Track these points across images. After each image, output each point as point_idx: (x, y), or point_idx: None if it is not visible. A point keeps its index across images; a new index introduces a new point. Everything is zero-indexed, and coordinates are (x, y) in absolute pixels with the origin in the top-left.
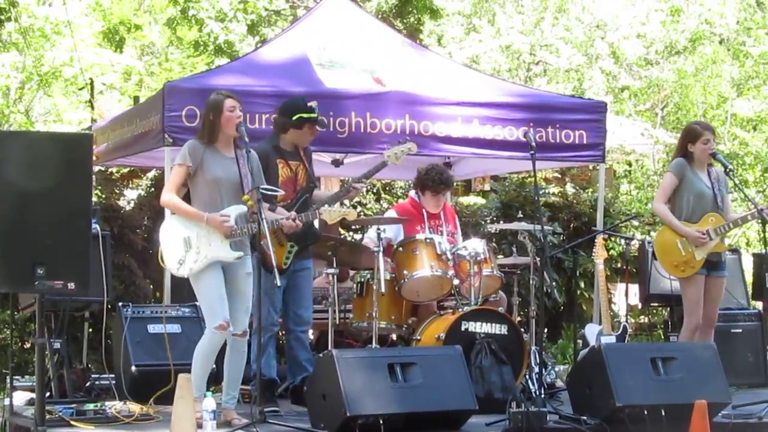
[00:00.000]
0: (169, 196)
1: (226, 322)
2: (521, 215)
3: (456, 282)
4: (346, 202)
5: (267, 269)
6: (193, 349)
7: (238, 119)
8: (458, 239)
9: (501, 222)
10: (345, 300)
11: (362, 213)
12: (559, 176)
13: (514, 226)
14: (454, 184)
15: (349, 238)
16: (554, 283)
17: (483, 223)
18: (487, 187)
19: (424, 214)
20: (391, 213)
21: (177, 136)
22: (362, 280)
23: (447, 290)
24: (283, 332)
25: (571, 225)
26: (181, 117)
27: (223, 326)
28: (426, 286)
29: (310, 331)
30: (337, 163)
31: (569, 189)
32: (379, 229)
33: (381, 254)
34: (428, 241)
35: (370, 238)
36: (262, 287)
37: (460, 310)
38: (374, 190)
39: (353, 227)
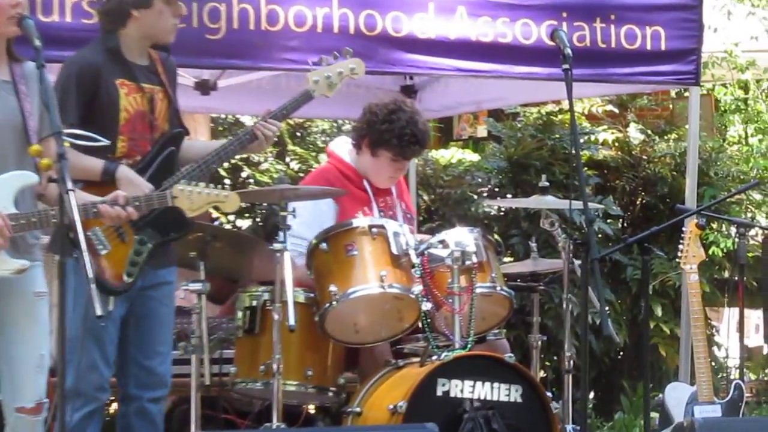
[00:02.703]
0: None
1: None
2: (545, 183)
3: (427, 306)
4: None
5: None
6: None
7: (17, 6)
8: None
9: (508, 196)
10: (223, 340)
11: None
12: (616, 112)
13: (532, 202)
14: (429, 144)
15: (228, 227)
16: (607, 309)
17: (475, 198)
18: (481, 133)
19: (368, 188)
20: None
21: None
22: (254, 304)
23: (410, 322)
24: (119, 401)
25: (638, 201)
26: None
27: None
28: (371, 313)
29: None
30: (205, 88)
31: (634, 134)
32: (283, 210)
33: (288, 258)
34: (375, 230)
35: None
36: (80, 320)
37: (434, 358)
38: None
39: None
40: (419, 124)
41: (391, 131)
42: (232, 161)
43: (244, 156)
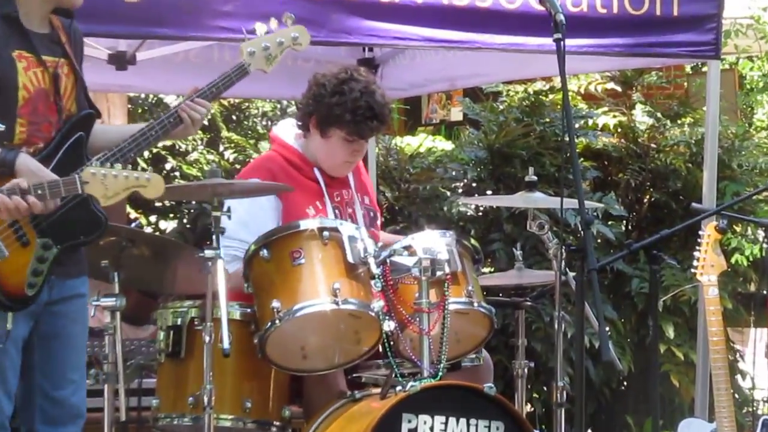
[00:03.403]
0: None
1: None
2: (533, 177)
3: (390, 326)
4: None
5: None
6: None
7: None
8: (384, 237)
9: (488, 193)
10: (142, 367)
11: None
12: (619, 91)
13: (517, 200)
14: (389, 120)
15: (149, 230)
16: (608, 329)
17: (448, 195)
18: (456, 117)
19: (319, 178)
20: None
21: None
22: (179, 322)
23: (369, 345)
24: None
25: (646, 199)
26: None
27: None
28: (323, 335)
29: None
30: (121, 62)
31: (640, 118)
32: (216, 209)
33: (222, 267)
34: (327, 234)
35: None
36: None
37: (398, 389)
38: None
39: (160, 205)
40: (376, 95)
41: (342, 105)
42: (153, 149)
43: (168, 144)
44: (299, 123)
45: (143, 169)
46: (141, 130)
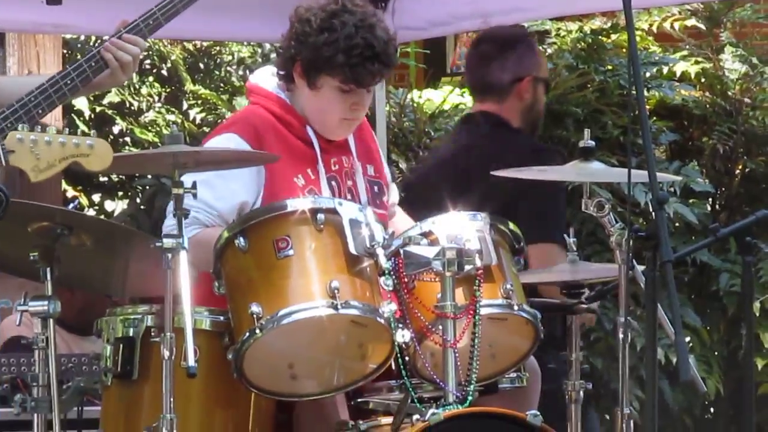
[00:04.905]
0: None
1: None
2: (590, 143)
3: (405, 337)
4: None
5: None
6: None
7: None
8: (396, 215)
9: (529, 164)
10: (83, 391)
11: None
12: (703, 29)
13: (569, 172)
14: (395, 61)
15: (91, 213)
16: (689, 340)
17: (478, 165)
18: None
19: (313, 138)
20: (224, 140)
21: None
22: (131, 333)
23: (378, 361)
24: None
25: (738, 170)
26: None
27: None
28: (317, 348)
29: None
30: None
31: (731, 65)
32: (178, 186)
33: (185, 261)
34: (323, 216)
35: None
36: None
37: (415, 418)
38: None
39: (105, 180)
40: (376, 29)
41: (333, 43)
42: (96, 107)
43: (115, 99)
44: (281, 72)
45: (84, 134)
46: (52, 78)
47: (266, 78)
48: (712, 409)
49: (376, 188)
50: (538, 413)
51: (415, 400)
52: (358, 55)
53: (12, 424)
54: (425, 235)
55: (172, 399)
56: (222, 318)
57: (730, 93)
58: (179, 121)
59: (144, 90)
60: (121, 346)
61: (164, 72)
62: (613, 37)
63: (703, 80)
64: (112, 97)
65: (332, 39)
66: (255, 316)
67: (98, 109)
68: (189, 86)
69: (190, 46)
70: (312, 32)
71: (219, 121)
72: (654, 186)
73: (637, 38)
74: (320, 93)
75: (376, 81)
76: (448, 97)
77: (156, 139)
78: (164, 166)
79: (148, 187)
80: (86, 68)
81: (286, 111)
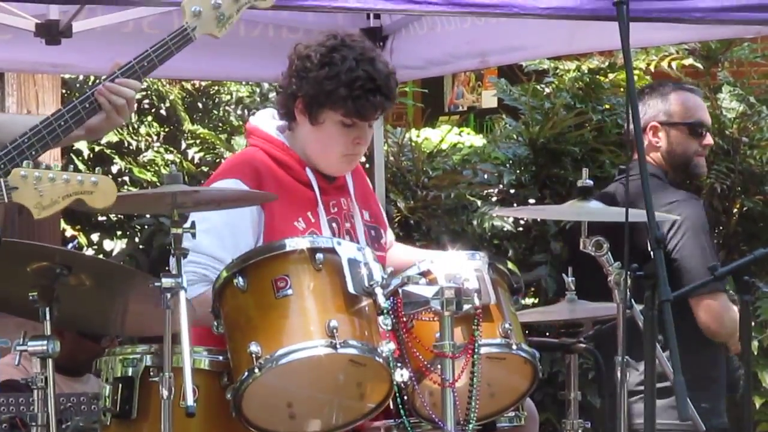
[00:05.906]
0: None
1: None
2: (588, 182)
3: (403, 376)
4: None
5: None
6: None
7: None
8: (396, 253)
9: (530, 202)
10: (80, 431)
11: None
12: (701, 69)
13: (567, 212)
14: (396, 94)
15: (90, 252)
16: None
17: (478, 204)
18: (488, 103)
19: (312, 181)
20: (227, 184)
21: None
22: (129, 372)
23: (376, 400)
24: None
25: (735, 208)
26: None
27: None
28: (315, 387)
29: None
30: (53, 34)
31: (728, 104)
32: (177, 225)
33: (185, 301)
34: (321, 256)
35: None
36: None
37: None
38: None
39: (104, 219)
40: (376, 62)
41: (334, 77)
42: (95, 147)
43: (114, 139)
44: (281, 111)
45: (87, 171)
46: (45, 119)
47: (266, 121)
48: None
49: (373, 232)
50: None
51: None
52: (359, 87)
53: None
54: (424, 274)
55: None
56: (221, 357)
57: (727, 132)
58: (178, 160)
59: (143, 129)
60: (120, 385)
61: (163, 111)
62: (611, 76)
63: None
64: (111, 136)
65: (333, 73)
66: (254, 355)
67: (97, 148)
68: (187, 126)
69: (188, 86)
70: (313, 67)
71: (217, 160)
72: (652, 225)
73: (635, 77)
74: (322, 128)
75: (378, 114)
76: (446, 136)
77: (155, 179)
78: (163, 206)
79: (146, 227)
80: (80, 109)
81: (286, 154)
